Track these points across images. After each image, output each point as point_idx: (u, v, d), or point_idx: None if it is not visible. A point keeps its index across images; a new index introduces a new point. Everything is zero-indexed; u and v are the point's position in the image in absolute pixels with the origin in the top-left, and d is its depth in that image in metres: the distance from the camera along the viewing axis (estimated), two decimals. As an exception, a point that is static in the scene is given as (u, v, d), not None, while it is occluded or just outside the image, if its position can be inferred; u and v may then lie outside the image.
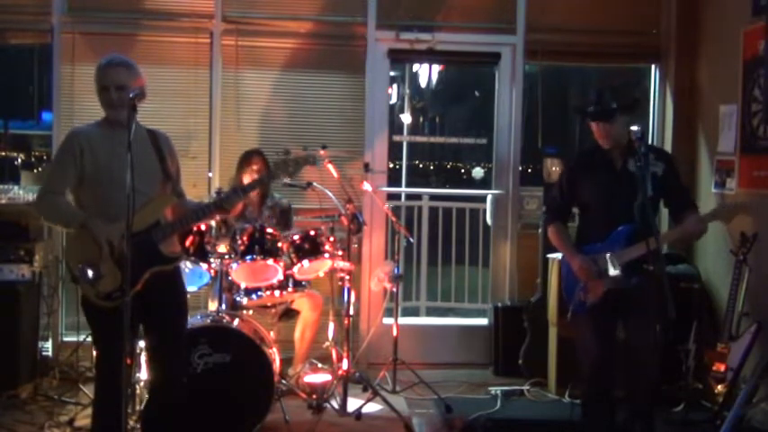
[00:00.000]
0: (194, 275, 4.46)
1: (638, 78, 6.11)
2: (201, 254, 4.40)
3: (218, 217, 4.14)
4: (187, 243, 4.38)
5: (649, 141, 5.81)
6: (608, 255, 3.74)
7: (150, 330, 3.44)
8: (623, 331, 3.99)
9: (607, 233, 3.79)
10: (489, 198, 5.96)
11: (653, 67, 5.90)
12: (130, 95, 3.13)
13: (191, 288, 4.47)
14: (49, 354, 5.32)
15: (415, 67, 6.85)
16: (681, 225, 3.79)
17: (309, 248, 4.60)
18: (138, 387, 4.18)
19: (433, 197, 6.93)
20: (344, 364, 4.54)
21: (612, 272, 3.72)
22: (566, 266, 3.98)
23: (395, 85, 6.90)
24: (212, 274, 4.46)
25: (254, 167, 4.89)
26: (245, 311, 4.57)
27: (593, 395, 4.08)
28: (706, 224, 3.73)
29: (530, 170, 6.96)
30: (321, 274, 4.77)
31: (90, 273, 3.19)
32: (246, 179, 4.88)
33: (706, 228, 3.76)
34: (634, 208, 3.61)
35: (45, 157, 9.24)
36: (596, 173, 3.89)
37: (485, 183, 8.71)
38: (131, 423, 4.01)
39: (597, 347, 3.90)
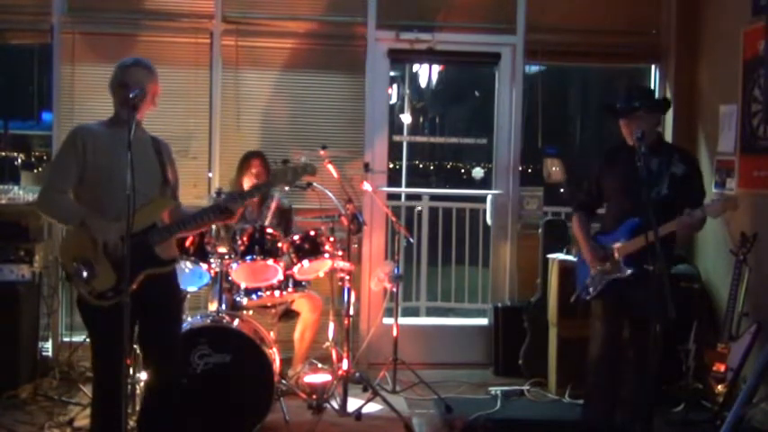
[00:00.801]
0: (194, 275, 4.46)
1: (638, 78, 6.11)
2: (201, 254, 4.40)
3: (217, 223, 4.14)
4: (187, 243, 4.37)
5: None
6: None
7: (146, 332, 3.44)
8: (627, 330, 4.09)
9: (618, 225, 3.99)
10: (489, 198, 5.96)
11: (653, 67, 5.90)
12: (131, 95, 3.13)
13: (191, 288, 4.48)
14: (49, 354, 5.32)
15: (415, 67, 6.85)
16: (673, 221, 3.83)
17: (309, 248, 4.60)
18: (137, 387, 4.18)
19: (433, 197, 6.94)
20: (344, 365, 4.54)
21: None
22: (580, 257, 4.20)
23: (395, 85, 6.89)
24: (212, 275, 4.45)
25: (254, 171, 4.88)
26: (245, 312, 4.57)
27: (595, 392, 4.19)
28: (696, 218, 3.76)
29: (530, 170, 6.96)
30: (321, 274, 4.77)
31: (84, 271, 3.18)
32: (246, 182, 4.88)
33: (696, 222, 3.80)
34: (644, 203, 3.74)
35: (45, 158, 9.25)
36: (619, 168, 4.05)
37: (485, 183, 8.70)
38: (131, 423, 4.01)
39: (601, 337, 4.07)
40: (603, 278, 4.01)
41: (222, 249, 4.40)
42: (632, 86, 4.11)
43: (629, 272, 3.91)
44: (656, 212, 3.59)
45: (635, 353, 4.00)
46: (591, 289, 4.07)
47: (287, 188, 4.00)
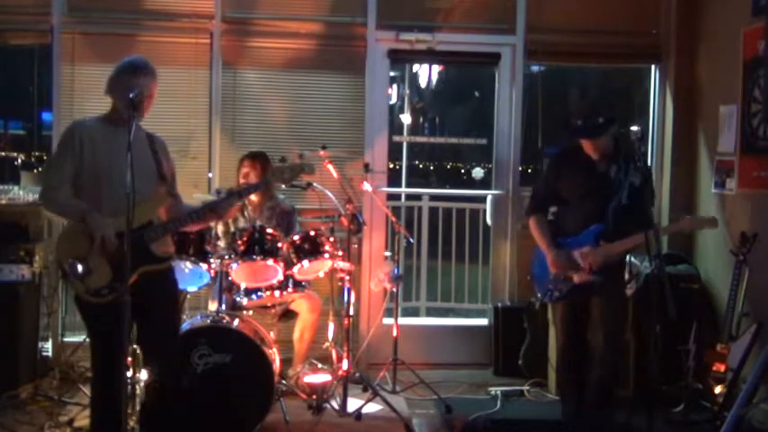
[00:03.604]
0: (194, 275, 4.45)
1: (638, 79, 6.11)
2: (201, 254, 4.39)
3: (212, 221, 4.14)
4: (186, 244, 4.37)
5: (649, 142, 5.84)
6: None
7: (142, 330, 3.44)
8: (596, 333, 4.18)
9: (580, 229, 4.02)
10: (489, 198, 5.96)
11: (653, 67, 5.90)
12: (131, 95, 3.13)
13: (191, 288, 4.47)
14: (49, 354, 5.32)
15: (415, 67, 6.84)
16: (630, 238, 3.90)
17: (309, 249, 4.59)
18: (137, 387, 4.17)
19: (433, 197, 6.93)
20: (344, 365, 4.54)
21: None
22: (540, 256, 4.18)
23: (395, 86, 6.89)
24: (212, 275, 4.45)
25: (243, 171, 4.87)
26: (244, 312, 4.57)
27: (564, 384, 4.39)
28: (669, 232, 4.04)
29: (530, 170, 6.96)
30: (321, 274, 4.77)
31: (79, 268, 3.19)
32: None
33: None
34: (608, 210, 3.93)
35: (45, 158, 9.23)
36: (578, 172, 4.08)
37: (485, 183, 8.70)
38: (131, 423, 4.00)
39: (564, 336, 4.20)
40: (568, 282, 4.04)
41: (222, 249, 4.40)
42: (591, 103, 4.16)
43: (594, 277, 3.96)
44: (619, 220, 3.86)
45: (592, 350, 4.09)
46: (556, 293, 4.08)
47: (284, 186, 3.99)
